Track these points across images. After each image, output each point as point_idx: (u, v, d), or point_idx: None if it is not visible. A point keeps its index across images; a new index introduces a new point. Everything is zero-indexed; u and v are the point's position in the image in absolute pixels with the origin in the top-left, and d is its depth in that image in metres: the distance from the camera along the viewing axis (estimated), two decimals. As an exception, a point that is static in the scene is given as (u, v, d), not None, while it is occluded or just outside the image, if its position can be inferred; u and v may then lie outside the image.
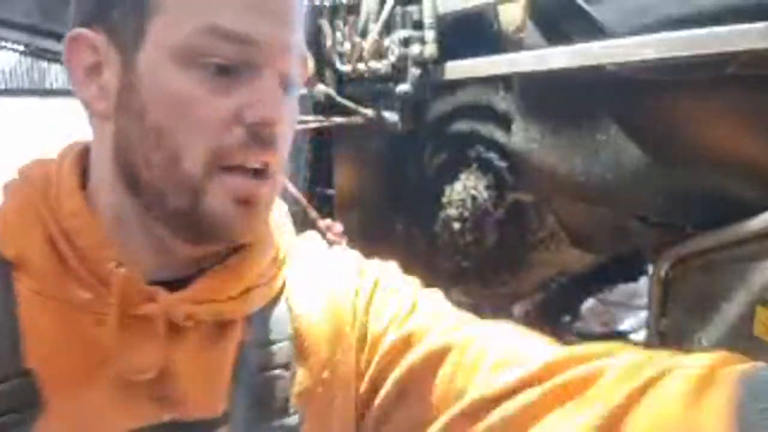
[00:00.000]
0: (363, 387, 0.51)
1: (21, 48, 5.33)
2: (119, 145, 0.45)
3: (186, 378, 0.45)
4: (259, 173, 0.44)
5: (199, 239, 0.45)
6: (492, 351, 0.48)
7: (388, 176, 1.42)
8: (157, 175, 0.43)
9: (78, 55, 0.45)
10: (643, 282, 1.44)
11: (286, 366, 0.48)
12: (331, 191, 1.48)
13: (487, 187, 1.23)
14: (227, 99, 0.42)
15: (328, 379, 0.50)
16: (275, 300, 0.51)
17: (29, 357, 0.42)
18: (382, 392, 0.50)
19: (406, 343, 0.50)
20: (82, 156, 0.49)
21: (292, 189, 1.39)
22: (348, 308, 0.53)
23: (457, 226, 1.26)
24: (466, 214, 1.25)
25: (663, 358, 0.43)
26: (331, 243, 1.35)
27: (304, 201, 1.35)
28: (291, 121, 0.46)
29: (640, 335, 1.48)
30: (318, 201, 1.45)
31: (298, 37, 0.45)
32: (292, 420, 0.47)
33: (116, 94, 0.44)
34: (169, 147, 0.42)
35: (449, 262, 1.41)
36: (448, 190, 1.26)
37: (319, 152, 1.45)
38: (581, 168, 1.10)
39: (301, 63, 0.46)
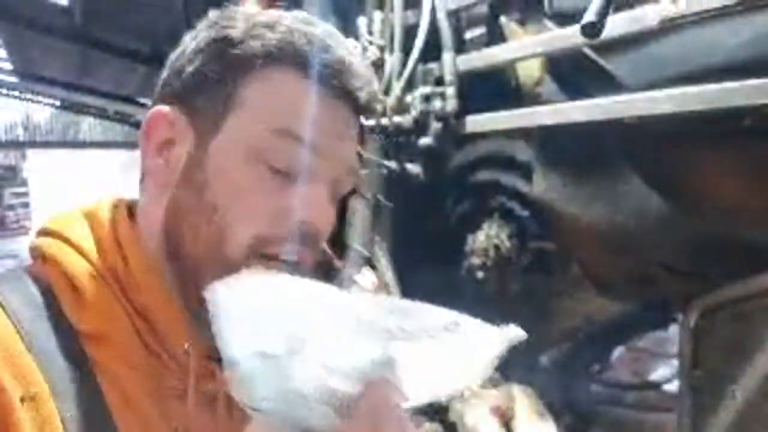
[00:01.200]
0: None
1: (57, 103, 5.59)
2: (172, 214, 0.47)
3: None
4: (292, 265, 0.46)
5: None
6: None
7: (412, 226, 1.44)
8: (201, 249, 0.45)
9: (155, 129, 0.48)
10: (674, 329, 1.41)
11: None
12: (355, 241, 1.50)
13: (510, 236, 1.24)
14: (281, 198, 0.45)
15: None
16: None
17: (121, 426, 0.43)
18: None
19: None
20: (131, 219, 0.49)
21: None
22: None
23: (480, 275, 1.26)
24: (490, 263, 1.25)
25: None
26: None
27: (329, 251, 1.37)
28: (331, 224, 0.50)
29: (674, 385, 1.44)
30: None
31: (354, 151, 0.49)
32: None
33: (182, 168, 0.47)
34: (218, 225, 0.44)
35: (473, 312, 1.40)
36: (470, 239, 1.28)
37: (344, 204, 1.49)
38: (603, 217, 1.11)
39: (351, 174, 0.49)
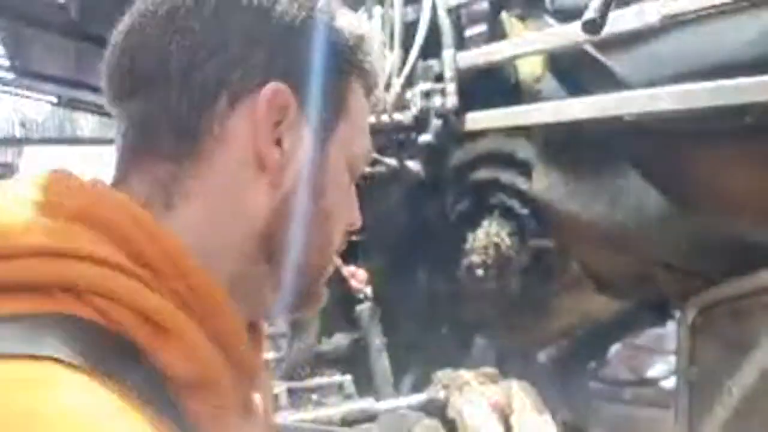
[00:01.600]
0: None
1: (54, 99, 5.57)
2: (281, 214, 0.42)
3: None
4: None
5: (288, 310, 0.48)
6: None
7: (411, 224, 1.44)
8: (308, 255, 0.44)
9: (272, 107, 0.41)
10: (671, 326, 1.42)
11: None
12: (354, 238, 1.51)
13: (510, 234, 1.24)
14: (350, 208, 0.48)
15: None
16: None
17: None
18: None
19: None
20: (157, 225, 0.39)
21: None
22: None
23: (480, 272, 1.27)
24: (489, 261, 1.25)
25: None
26: (355, 290, 1.37)
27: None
28: None
29: (670, 382, 1.45)
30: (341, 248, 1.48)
31: None
32: None
33: (303, 167, 0.43)
34: (327, 233, 0.45)
35: (473, 309, 1.41)
36: (470, 237, 1.28)
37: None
38: (603, 215, 1.11)
39: None
